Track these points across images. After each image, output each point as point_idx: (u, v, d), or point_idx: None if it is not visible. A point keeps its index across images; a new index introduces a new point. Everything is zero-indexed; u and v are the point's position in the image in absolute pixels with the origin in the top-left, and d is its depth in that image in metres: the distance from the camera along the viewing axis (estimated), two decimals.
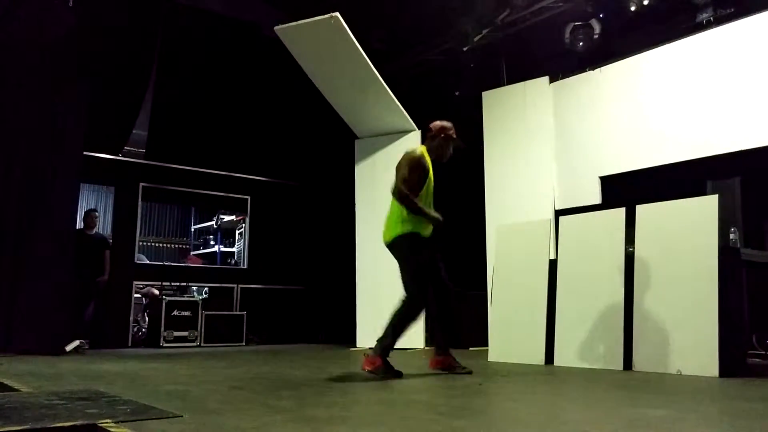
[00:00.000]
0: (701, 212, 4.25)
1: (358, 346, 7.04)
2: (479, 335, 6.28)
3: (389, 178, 4.17)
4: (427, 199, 4.09)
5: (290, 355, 6.04)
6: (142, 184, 8.04)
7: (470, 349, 6.57)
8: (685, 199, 4.42)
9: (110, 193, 8.61)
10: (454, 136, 4.23)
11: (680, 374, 4.02)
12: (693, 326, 4.08)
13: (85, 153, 6.57)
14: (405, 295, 4.00)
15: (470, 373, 4.04)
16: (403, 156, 4.11)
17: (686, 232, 4.29)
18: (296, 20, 6.02)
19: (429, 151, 4.15)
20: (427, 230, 4.06)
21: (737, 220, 5.19)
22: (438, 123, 4.25)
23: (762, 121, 5.12)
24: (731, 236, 4.35)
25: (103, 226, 8.83)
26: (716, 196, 4.28)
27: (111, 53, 7.22)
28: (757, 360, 4.85)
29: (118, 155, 7.88)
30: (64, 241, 6.17)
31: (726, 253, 4.17)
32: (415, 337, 6.78)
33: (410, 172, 3.99)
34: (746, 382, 3.72)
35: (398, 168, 4.07)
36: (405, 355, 6.13)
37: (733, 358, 3.99)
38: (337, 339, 6.94)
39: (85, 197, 8.23)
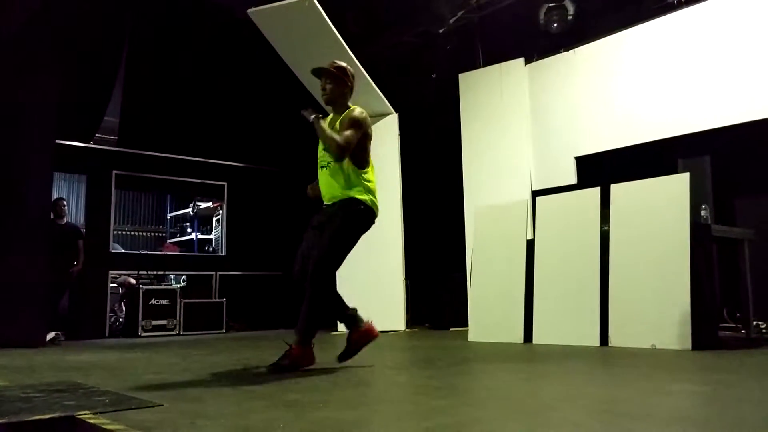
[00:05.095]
0: (673, 190, 4.33)
1: (338, 329, 7.05)
2: (459, 316, 6.35)
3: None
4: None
5: (270, 341, 6.03)
6: (115, 172, 7.91)
7: (450, 329, 6.64)
8: (657, 178, 4.49)
9: (82, 182, 8.46)
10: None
11: (654, 348, 4.12)
12: (666, 301, 4.18)
13: (56, 141, 6.44)
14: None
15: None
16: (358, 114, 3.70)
17: (659, 210, 4.37)
18: (270, 3, 5.93)
19: None
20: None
21: (708, 197, 5.29)
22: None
23: (731, 101, 5.22)
24: (702, 213, 4.44)
25: (76, 215, 8.69)
26: (687, 174, 4.36)
27: (79, 38, 7.04)
28: (728, 332, 4.98)
29: (89, 143, 7.74)
30: (39, 232, 6.06)
31: (697, 229, 4.25)
32: (396, 319, 6.84)
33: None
34: (718, 354, 3.82)
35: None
36: (387, 337, 6.17)
37: (706, 332, 4.08)
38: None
39: (56, 186, 8.06)
